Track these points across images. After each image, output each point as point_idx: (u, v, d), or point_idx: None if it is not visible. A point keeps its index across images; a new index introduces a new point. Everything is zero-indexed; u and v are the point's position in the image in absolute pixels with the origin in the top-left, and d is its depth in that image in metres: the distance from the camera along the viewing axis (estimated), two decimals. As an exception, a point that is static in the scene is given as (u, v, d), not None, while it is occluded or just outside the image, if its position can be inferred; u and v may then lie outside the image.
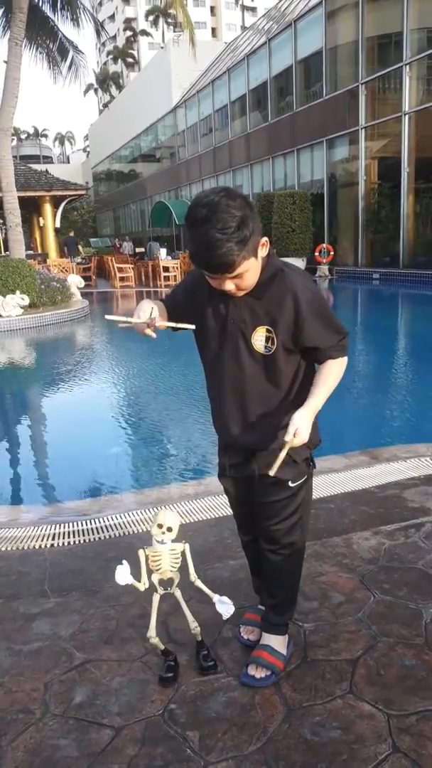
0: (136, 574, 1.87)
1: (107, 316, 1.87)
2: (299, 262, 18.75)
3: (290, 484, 1.87)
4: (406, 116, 15.86)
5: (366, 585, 2.42)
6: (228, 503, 2.15)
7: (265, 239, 1.68)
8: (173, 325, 1.75)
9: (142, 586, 1.88)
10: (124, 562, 1.87)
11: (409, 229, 16.55)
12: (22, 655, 2.11)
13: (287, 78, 21.29)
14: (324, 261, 18.42)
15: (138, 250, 29.01)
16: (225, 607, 1.91)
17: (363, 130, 17.54)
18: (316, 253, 18.47)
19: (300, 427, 1.71)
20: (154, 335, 1.74)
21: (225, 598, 1.92)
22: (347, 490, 3.33)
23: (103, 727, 1.78)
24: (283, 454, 1.73)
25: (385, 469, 3.62)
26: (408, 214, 16.46)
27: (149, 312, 1.71)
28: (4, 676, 2.01)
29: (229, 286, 1.68)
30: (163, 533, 1.85)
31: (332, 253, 18.57)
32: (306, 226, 18.67)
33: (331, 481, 3.47)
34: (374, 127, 17.47)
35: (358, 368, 7.15)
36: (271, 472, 1.72)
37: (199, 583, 1.94)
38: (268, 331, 1.75)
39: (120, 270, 19.67)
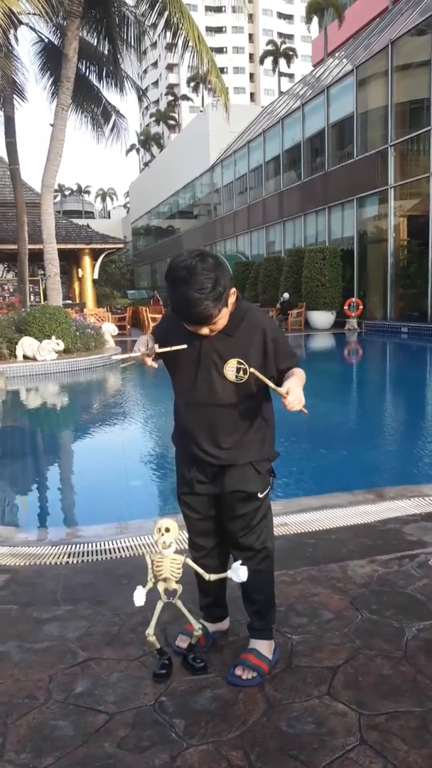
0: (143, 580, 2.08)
1: (114, 356, 2.17)
2: (329, 316, 19.16)
3: (259, 495, 2.12)
4: (434, 176, 16.34)
5: (355, 605, 2.57)
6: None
7: (233, 290, 1.97)
8: (168, 350, 2.01)
9: (150, 584, 2.10)
10: (139, 587, 2.08)
11: (438, 284, 16.79)
12: (32, 651, 2.32)
13: (320, 140, 22.15)
14: (353, 314, 18.73)
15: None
16: (239, 573, 2.03)
17: (392, 189, 18.07)
18: (346, 307, 18.81)
19: (292, 387, 1.92)
20: (155, 365, 2.03)
21: (236, 565, 2.05)
22: (349, 524, 3.48)
23: (98, 712, 1.96)
24: (266, 380, 1.95)
25: (388, 506, 3.76)
26: (436, 270, 16.74)
27: (146, 344, 2.01)
28: (14, 668, 2.21)
29: (205, 331, 1.97)
30: (162, 534, 2.06)
31: (361, 307, 18.88)
32: (335, 280, 19.11)
33: (335, 515, 3.63)
34: (403, 186, 17.99)
35: (385, 414, 7.33)
36: (252, 370, 1.96)
37: (212, 576, 2.12)
38: (239, 362, 2.01)
39: (153, 320, 20.26)
